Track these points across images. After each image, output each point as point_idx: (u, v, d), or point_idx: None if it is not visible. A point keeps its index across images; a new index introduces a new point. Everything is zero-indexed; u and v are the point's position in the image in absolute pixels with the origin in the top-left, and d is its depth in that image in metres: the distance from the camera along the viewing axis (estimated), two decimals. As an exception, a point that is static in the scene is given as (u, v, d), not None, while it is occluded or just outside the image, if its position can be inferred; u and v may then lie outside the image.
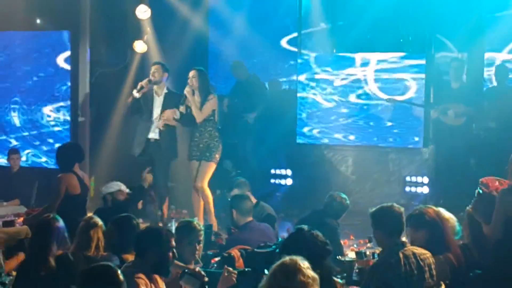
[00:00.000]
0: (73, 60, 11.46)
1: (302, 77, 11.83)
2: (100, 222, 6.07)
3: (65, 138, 11.34)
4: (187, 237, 5.75)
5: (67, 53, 11.61)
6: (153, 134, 9.61)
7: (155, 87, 9.64)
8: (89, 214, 6.19)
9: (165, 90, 9.66)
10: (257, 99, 11.88)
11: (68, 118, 11.60)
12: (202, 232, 5.89)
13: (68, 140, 11.11)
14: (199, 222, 6.05)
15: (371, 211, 5.61)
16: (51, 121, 11.71)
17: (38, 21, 12.02)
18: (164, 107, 9.55)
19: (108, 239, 5.98)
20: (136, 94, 9.52)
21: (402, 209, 5.53)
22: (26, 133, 11.82)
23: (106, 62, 11.92)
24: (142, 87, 9.51)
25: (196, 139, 9.50)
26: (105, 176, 10.24)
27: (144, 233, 5.20)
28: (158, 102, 9.62)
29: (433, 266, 5.29)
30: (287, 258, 3.98)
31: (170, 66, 10.02)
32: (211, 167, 9.52)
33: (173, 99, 9.58)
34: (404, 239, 5.57)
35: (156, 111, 9.60)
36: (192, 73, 9.47)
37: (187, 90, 9.39)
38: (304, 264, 3.97)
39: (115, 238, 5.93)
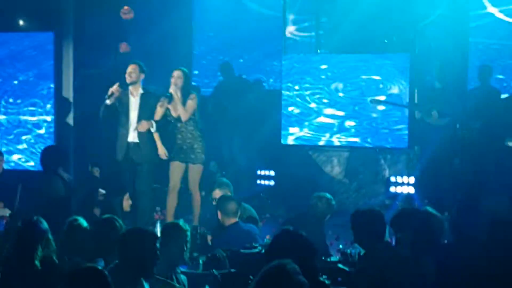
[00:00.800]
0: (56, 61, 11.40)
1: (286, 78, 11.83)
2: (84, 224, 6.04)
3: (49, 141, 11.27)
4: (174, 238, 5.73)
5: (51, 55, 11.53)
6: (132, 137, 9.45)
7: (130, 87, 9.44)
8: (74, 217, 6.14)
9: (140, 91, 9.47)
10: (241, 99, 11.89)
11: (51, 120, 11.53)
12: (188, 233, 5.88)
13: (52, 143, 11.06)
14: (185, 223, 6.02)
15: (351, 215, 5.61)
16: (34, 123, 11.64)
17: (21, 22, 11.94)
18: (141, 108, 9.38)
19: (92, 240, 5.96)
20: (107, 101, 9.34)
21: (382, 213, 5.54)
22: (9, 136, 11.74)
23: (90, 63, 11.86)
24: (112, 93, 9.31)
25: (179, 141, 9.41)
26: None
27: (127, 236, 5.15)
28: (134, 103, 9.44)
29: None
30: (275, 263, 3.92)
31: (154, 66, 9.93)
32: (200, 169, 9.48)
33: (150, 100, 9.44)
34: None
35: (133, 113, 9.43)
36: (177, 73, 9.40)
37: (173, 89, 9.34)
38: (292, 268, 3.89)
39: (98, 240, 5.90)
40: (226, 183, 8.59)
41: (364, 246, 5.66)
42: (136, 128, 9.39)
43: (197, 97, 9.51)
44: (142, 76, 9.52)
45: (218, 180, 8.92)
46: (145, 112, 9.41)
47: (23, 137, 11.58)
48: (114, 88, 9.35)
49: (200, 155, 9.43)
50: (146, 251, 4.95)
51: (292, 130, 11.74)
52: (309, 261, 4.80)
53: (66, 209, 7.87)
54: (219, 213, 7.42)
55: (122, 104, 9.46)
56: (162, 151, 9.42)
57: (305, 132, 11.70)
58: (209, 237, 7.84)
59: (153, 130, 9.36)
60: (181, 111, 9.33)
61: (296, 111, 11.73)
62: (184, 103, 9.35)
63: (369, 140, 11.34)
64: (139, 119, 9.39)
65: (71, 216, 6.61)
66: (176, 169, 9.47)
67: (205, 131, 9.77)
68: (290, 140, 11.73)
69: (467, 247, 5.98)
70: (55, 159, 8.05)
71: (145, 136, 9.42)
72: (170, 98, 9.38)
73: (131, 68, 9.44)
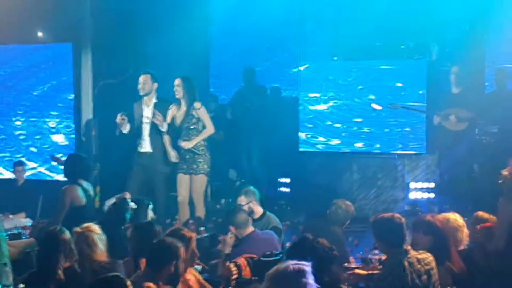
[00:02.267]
0: (75, 72, 11.49)
1: (303, 85, 11.85)
2: (92, 230, 6.03)
3: (70, 150, 11.36)
4: None
5: (70, 65, 11.63)
6: (146, 148, 9.46)
7: (144, 98, 9.45)
8: (85, 224, 6.14)
9: (154, 100, 9.48)
10: (259, 107, 11.92)
11: (72, 129, 11.62)
12: (193, 239, 5.89)
13: (73, 152, 11.14)
14: (188, 230, 6.03)
15: (371, 220, 5.63)
16: (55, 133, 11.74)
17: (39, 34, 12.05)
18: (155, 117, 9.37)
19: (128, 243, 6.07)
20: (124, 131, 9.36)
21: (403, 220, 5.56)
22: (31, 146, 11.85)
23: (109, 73, 11.94)
24: (121, 124, 9.31)
25: (182, 150, 9.32)
26: (110, 188, 10.24)
27: (159, 248, 5.22)
28: (147, 113, 9.45)
29: (435, 270, 5.33)
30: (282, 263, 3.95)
31: (171, 75, 9.94)
32: (203, 180, 9.33)
33: (164, 108, 9.40)
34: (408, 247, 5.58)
35: (146, 123, 9.44)
36: (176, 82, 9.30)
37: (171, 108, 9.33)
38: (296, 266, 3.91)
39: (135, 243, 6.06)
40: (253, 191, 8.24)
41: (384, 252, 5.68)
42: (152, 119, 9.32)
43: (203, 105, 9.37)
44: (156, 85, 9.50)
45: (243, 187, 8.71)
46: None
47: (44, 147, 11.68)
48: (119, 119, 9.32)
49: (203, 165, 9.29)
50: (176, 263, 5.03)
51: (309, 136, 11.75)
52: (329, 267, 4.84)
53: (88, 218, 7.92)
54: (232, 228, 7.18)
55: (136, 116, 9.48)
56: (172, 154, 9.37)
57: (323, 138, 11.71)
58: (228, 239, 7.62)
59: (163, 129, 9.29)
60: (209, 127, 9.30)
61: (314, 118, 11.74)
62: (188, 110, 9.26)
63: (387, 146, 11.33)
64: (153, 128, 9.39)
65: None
66: (181, 181, 9.38)
67: (223, 139, 9.76)
68: (308, 147, 11.74)
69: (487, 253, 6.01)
70: (77, 168, 8.10)
71: (158, 146, 9.41)
72: (179, 105, 9.35)
73: (143, 79, 9.43)
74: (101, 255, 5.91)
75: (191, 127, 9.31)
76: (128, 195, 7.97)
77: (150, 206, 7.89)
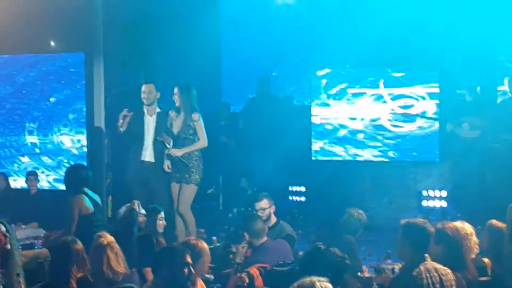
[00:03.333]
0: (87, 81, 11.52)
1: (315, 93, 11.85)
2: (107, 240, 6.04)
3: (82, 160, 11.38)
4: None
5: (82, 75, 11.66)
6: (149, 157, 9.50)
7: (147, 107, 9.49)
8: (98, 233, 6.17)
9: (157, 110, 9.52)
10: (272, 115, 11.92)
11: (84, 139, 11.64)
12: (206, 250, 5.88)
13: (85, 162, 11.17)
14: (200, 240, 6.03)
15: (403, 223, 5.67)
16: (67, 143, 11.77)
17: (52, 43, 12.10)
18: (158, 127, 9.42)
19: (130, 254, 6.07)
20: (120, 129, 9.45)
21: (432, 229, 5.62)
22: (43, 156, 11.88)
23: (121, 82, 11.98)
24: (124, 118, 9.43)
25: (176, 159, 9.28)
26: (122, 197, 10.24)
27: (158, 254, 5.30)
28: (150, 122, 9.48)
29: (454, 283, 5.30)
30: (306, 279, 3.95)
31: (183, 83, 9.92)
32: (192, 190, 9.25)
33: (166, 119, 9.44)
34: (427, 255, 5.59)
35: (149, 132, 9.47)
36: (175, 90, 9.29)
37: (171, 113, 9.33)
38: (323, 284, 3.92)
39: (136, 254, 6.12)
40: (270, 196, 8.21)
41: (405, 256, 5.68)
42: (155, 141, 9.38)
43: (201, 117, 9.26)
44: (158, 95, 9.54)
45: (261, 193, 8.59)
46: (163, 131, 9.42)
47: (57, 157, 11.71)
48: (122, 114, 9.41)
49: (194, 175, 9.21)
50: (176, 268, 5.03)
51: (322, 145, 11.74)
52: (342, 276, 4.82)
53: (99, 226, 7.93)
54: (246, 235, 7.05)
55: (136, 124, 9.50)
56: (166, 163, 9.39)
57: (335, 147, 11.70)
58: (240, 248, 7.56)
59: (169, 147, 9.28)
60: (202, 140, 9.25)
61: (326, 126, 11.73)
62: (186, 120, 9.24)
63: (399, 154, 11.31)
64: (156, 137, 9.41)
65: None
66: (174, 190, 9.36)
67: (236, 147, 9.72)
68: (321, 156, 11.73)
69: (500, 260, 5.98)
70: (79, 178, 8.09)
71: (160, 156, 9.43)
72: (179, 113, 9.34)
73: (147, 89, 9.46)
74: (122, 265, 5.94)
75: (188, 137, 9.28)
76: (136, 204, 7.95)
77: (162, 214, 7.88)
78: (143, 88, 9.51)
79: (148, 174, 9.51)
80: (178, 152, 9.24)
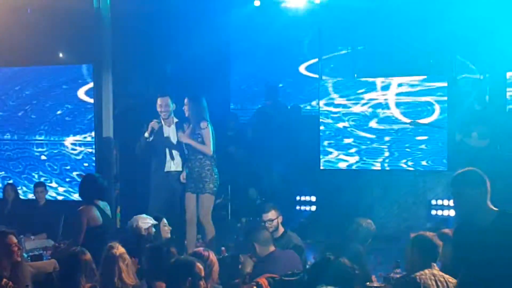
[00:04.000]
0: (96, 92, 11.55)
1: (323, 103, 11.85)
2: (119, 251, 6.02)
3: (91, 170, 11.40)
4: None
5: (90, 86, 11.69)
6: (175, 167, 9.55)
7: (163, 120, 9.59)
8: (110, 243, 6.15)
9: (175, 119, 9.60)
10: (280, 125, 11.92)
11: (93, 150, 11.67)
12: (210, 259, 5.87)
13: (93, 173, 11.19)
14: (209, 251, 6.03)
15: (412, 236, 5.76)
16: (76, 154, 11.79)
17: (61, 55, 12.15)
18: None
19: (142, 267, 6.06)
20: (150, 138, 9.49)
21: (440, 243, 5.70)
22: (51, 167, 11.90)
23: (129, 93, 12.00)
24: (153, 129, 9.48)
25: (188, 169, 9.35)
26: (131, 207, 10.26)
27: (176, 266, 5.23)
28: (171, 133, 9.54)
29: None
30: None
31: (191, 94, 9.93)
32: (208, 199, 9.27)
33: (183, 128, 9.50)
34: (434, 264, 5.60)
35: (173, 142, 9.53)
36: (185, 101, 9.34)
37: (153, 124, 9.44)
38: None
39: (148, 266, 6.05)
40: (277, 207, 8.21)
41: (413, 267, 5.69)
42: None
43: (210, 125, 9.28)
44: (174, 106, 9.60)
45: (268, 203, 8.61)
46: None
47: (65, 168, 11.73)
48: (153, 123, 9.47)
49: (209, 184, 9.24)
50: (194, 281, 5.01)
51: (330, 155, 11.73)
52: (351, 286, 4.81)
53: (107, 237, 7.92)
54: (255, 246, 7.09)
55: (156, 136, 9.55)
56: (181, 176, 9.50)
57: (344, 156, 11.69)
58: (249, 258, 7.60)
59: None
60: (207, 146, 9.26)
61: (334, 135, 11.72)
62: (195, 129, 9.27)
63: (408, 163, 11.29)
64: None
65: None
66: (189, 200, 9.38)
67: (244, 157, 9.71)
68: (329, 165, 11.72)
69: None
70: (92, 189, 8.10)
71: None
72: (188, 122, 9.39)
73: (163, 102, 9.52)
74: (132, 277, 5.93)
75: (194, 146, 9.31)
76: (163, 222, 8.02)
77: (164, 221, 7.90)
78: (159, 101, 9.54)
79: (175, 184, 9.53)
80: (184, 138, 9.32)
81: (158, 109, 9.54)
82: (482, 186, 5.10)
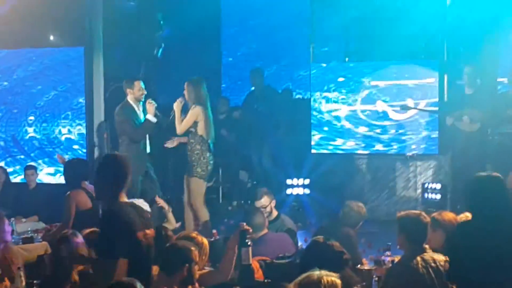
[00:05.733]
0: (87, 75, 11.52)
1: (315, 86, 11.85)
2: None
3: (82, 154, 11.39)
4: None
5: (81, 69, 11.66)
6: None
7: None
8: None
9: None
10: (270, 109, 11.91)
11: (83, 133, 11.65)
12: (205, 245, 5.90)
13: (84, 156, 11.19)
14: (200, 235, 6.02)
15: (398, 216, 5.75)
16: (67, 137, 11.77)
17: (52, 38, 12.09)
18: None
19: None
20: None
21: (428, 219, 5.69)
22: (42, 149, 11.88)
23: (120, 76, 11.96)
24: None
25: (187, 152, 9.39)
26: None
27: (173, 252, 5.20)
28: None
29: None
30: (314, 272, 3.91)
31: (183, 77, 9.89)
32: (195, 183, 9.22)
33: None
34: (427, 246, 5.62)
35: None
36: (185, 85, 9.29)
37: (175, 104, 9.32)
38: (329, 279, 3.88)
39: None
40: (270, 191, 8.22)
41: (404, 247, 5.71)
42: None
43: (203, 109, 9.17)
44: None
45: (261, 189, 8.58)
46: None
47: (56, 151, 11.70)
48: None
49: (196, 168, 9.18)
50: (190, 266, 5.03)
51: (321, 138, 11.75)
52: (341, 270, 4.83)
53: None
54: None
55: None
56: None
57: (335, 140, 11.70)
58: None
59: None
60: (177, 124, 9.26)
61: (326, 119, 11.74)
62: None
63: (399, 147, 11.32)
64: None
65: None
66: (184, 182, 9.44)
67: (234, 141, 9.69)
68: (320, 149, 11.74)
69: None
70: (78, 173, 8.07)
71: None
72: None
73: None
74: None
75: (189, 129, 9.27)
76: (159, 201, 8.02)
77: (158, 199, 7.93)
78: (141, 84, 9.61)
79: None
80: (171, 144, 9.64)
81: (141, 92, 9.61)
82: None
